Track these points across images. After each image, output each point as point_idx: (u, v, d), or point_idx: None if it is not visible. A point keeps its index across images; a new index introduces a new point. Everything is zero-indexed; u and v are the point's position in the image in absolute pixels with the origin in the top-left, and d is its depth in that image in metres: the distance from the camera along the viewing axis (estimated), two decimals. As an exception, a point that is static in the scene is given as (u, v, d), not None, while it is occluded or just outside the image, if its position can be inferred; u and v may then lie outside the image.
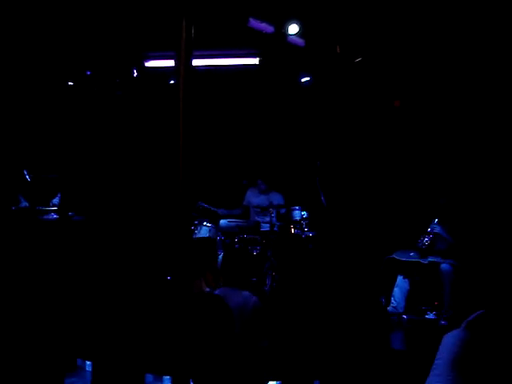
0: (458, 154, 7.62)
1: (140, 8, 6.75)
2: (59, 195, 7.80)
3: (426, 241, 6.89)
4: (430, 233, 6.91)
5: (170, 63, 8.30)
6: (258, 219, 8.65)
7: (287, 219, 8.31)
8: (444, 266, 6.63)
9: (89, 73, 8.50)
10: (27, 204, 7.49)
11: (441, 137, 7.90)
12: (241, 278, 4.83)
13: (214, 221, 8.23)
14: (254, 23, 6.92)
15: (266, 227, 8.37)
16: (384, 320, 6.64)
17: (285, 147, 9.61)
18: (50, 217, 7.43)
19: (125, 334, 5.28)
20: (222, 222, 8.48)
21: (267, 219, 8.26)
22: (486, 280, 6.01)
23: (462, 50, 7.21)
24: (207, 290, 5.75)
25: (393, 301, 6.94)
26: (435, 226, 6.93)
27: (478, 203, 7.10)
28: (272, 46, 7.87)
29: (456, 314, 6.39)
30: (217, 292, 4.81)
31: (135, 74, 8.66)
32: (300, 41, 7.60)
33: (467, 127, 7.52)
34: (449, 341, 2.54)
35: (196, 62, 7.73)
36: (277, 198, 8.62)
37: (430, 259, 6.82)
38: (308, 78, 9.00)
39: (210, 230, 7.93)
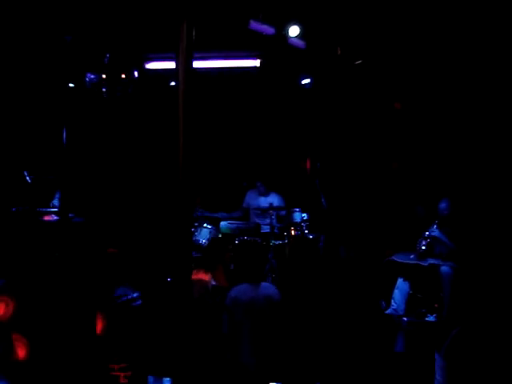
0: (459, 157, 7.62)
1: (141, 10, 6.76)
2: (58, 196, 7.77)
3: (423, 245, 6.90)
4: (427, 237, 6.92)
5: (171, 65, 8.30)
6: (258, 221, 8.65)
7: (287, 221, 8.30)
8: (444, 268, 6.62)
9: (89, 74, 8.50)
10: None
11: (441, 139, 7.90)
12: (257, 270, 5.09)
13: (214, 222, 8.24)
14: (255, 25, 6.93)
15: (266, 229, 8.36)
16: (382, 322, 6.63)
17: (285, 149, 9.61)
18: (51, 218, 7.42)
19: (126, 336, 5.28)
20: (222, 223, 8.48)
21: (267, 221, 8.26)
22: (485, 283, 6.01)
23: (462, 52, 7.21)
24: (213, 283, 5.81)
25: (393, 303, 6.93)
26: (433, 230, 6.93)
27: (478, 207, 7.10)
28: (273, 48, 7.88)
29: (456, 316, 6.38)
30: (238, 289, 5.23)
31: (136, 76, 8.66)
32: (301, 43, 7.60)
33: (468, 130, 7.52)
34: (435, 369, 2.57)
35: (197, 64, 7.72)
36: (277, 200, 8.61)
37: (429, 261, 6.82)
38: (309, 80, 9.00)
39: (210, 232, 7.93)
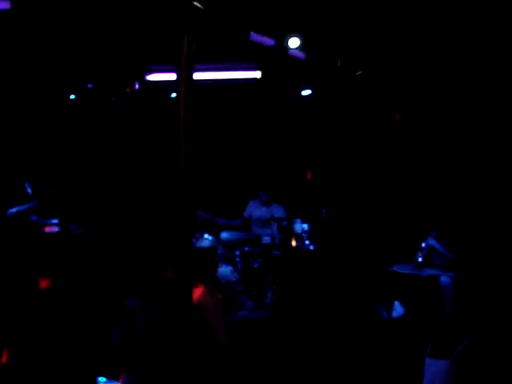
0: (459, 168, 7.64)
1: (142, 22, 6.79)
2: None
3: (420, 256, 6.92)
4: (423, 249, 6.93)
5: (172, 77, 8.34)
6: (260, 232, 8.64)
7: (288, 232, 8.29)
8: (443, 278, 6.63)
9: (90, 86, 8.54)
10: (36, 217, 7.49)
11: (441, 150, 7.92)
12: None
13: (215, 233, 8.24)
14: (255, 37, 6.96)
15: (267, 240, 8.35)
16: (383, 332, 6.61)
17: (286, 160, 9.63)
18: (52, 229, 7.44)
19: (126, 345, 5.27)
20: (224, 234, 8.48)
21: (268, 232, 8.25)
22: (486, 293, 6.01)
23: (462, 63, 7.24)
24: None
25: (394, 313, 6.93)
26: (430, 241, 6.95)
27: (477, 217, 7.12)
28: (273, 60, 7.91)
29: (459, 325, 6.37)
30: None
31: (137, 88, 8.70)
32: (301, 54, 7.63)
33: (468, 140, 7.55)
34: (436, 373, 2.51)
35: (197, 76, 7.76)
36: (278, 211, 8.61)
37: (428, 272, 6.83)
38: (309, 92, 9.04)
39: (211, 243, 7.92)
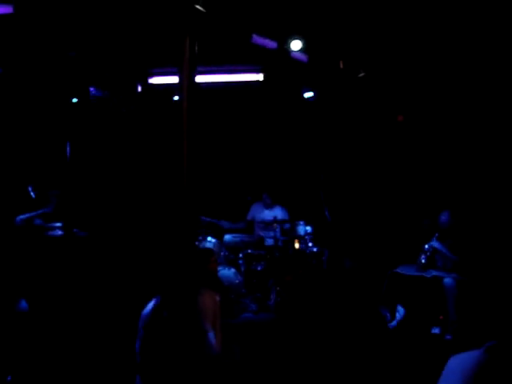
0: (461, 169, 7.64)
1: (144, 25, 6.81)
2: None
3: (423, 258, 6.93)
4: (426, 251, 6.94)
5: (175, 79, 8.35)
6: (262, 234, 8.65)
7: (291, 234, 8.30)
8: (447, 280, 6.62)
9: (93, 89, 8.54)
10: (40, 221, 7.50)
11: (444, 152, 7.92)
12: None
13: (218, 235, 8.25)
14: (258, 39, 6.96)
15: (270, 242, 8.36)
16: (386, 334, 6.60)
17: (289, 162, 9.64)
18: (55, 233, 7.45)
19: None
20: (227, 237, 8.49)
21: (271, 234, 8.26)
22: (490, 294, 6.00)
23: (465, 65, 7.24)
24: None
25: (397, 315, 6.93)
26: (433, 243, 6.95)
27: (480, 218, 7.12)
28: (275, 62, 7.91)
29: (461, 328, 6.37)
30: None
31: (139, 91, 8.71)
32: (303, 56, 7.64)
33: (470, 142, 7.55)
34: (462, 363, 2.47)
35: (200, 79, 7.77)
36: (281, 213, 8.62)
37: (433, 273, 6.83)
38: (311, 94, 9.04)
39: (214, 245, 7.93)
